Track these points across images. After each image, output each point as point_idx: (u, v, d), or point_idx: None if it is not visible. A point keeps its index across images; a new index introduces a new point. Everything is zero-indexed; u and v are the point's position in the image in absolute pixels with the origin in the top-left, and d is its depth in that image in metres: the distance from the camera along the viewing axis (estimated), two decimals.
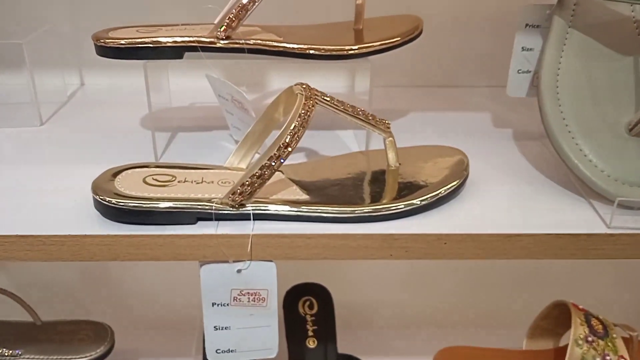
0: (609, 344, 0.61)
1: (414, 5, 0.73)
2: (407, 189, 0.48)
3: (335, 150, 0.56)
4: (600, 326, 0.65)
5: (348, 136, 0.61)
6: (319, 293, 0.76)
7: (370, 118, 0.49)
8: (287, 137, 0.43)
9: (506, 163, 0.56)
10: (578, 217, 0.47)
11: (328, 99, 0.47)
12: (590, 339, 0.61)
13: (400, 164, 0.51)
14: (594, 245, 0.45)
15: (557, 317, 0.70)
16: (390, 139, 0.50)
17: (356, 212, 0.45)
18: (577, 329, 0.63)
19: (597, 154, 0.48)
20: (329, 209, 0.45)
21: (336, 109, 0.47)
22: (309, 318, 0.68)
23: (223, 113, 0.56)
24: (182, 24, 0.56)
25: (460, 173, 0.49)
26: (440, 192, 0.47)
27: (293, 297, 0.76)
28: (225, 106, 0.55)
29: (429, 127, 0.64)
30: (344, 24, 0.59)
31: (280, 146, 0.43)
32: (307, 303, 0.74)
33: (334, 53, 0.54)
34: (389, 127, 0.50)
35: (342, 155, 0.54)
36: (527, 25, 0.56)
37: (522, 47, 0.57)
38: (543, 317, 0.72)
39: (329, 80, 0.73)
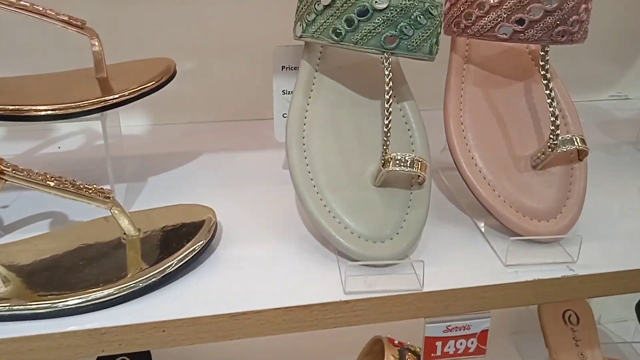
0: None
1: (223, 36, 0.69)
2: (138, 264, 0.43)
3: (88, 215, 0.50)
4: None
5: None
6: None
7: (83, 190, 0.43)
8: None
9: (276, 217, 0.51)
10: (323, 282, 0.43)
11: (22, 174, 0.41)
12: None
13: (140, 230, 0.46)
14: (329, 314, 0.41)
15: (379, 352, 0.67)
16: (116, 208, 0.44)
17: (58, 304, 0.39)
18: None
19: (343, 209, 0.44)
20: (24, 305, 0.39)
21: (32, 182, 0.41)
22: None
23: None
24: None
25: (202, 236, 0.45)
26: (166, 269, 0.42)
27: None
28: None
29: (212, 172, 0.60)
30: (83, 72, 0.53)
31: None
32: None
33: (65, 112, 0.48)
34: (108, 197, 0.44)
35: (79, 223, 0.48)
36: (283, 67, 0.53)
37: (283, 91, 0.53)
38: (365, 353, 0.70)
39: None
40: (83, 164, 0.64)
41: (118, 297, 0.40)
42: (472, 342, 0.46)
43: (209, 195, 0.54)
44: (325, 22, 0.43)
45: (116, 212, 0.45)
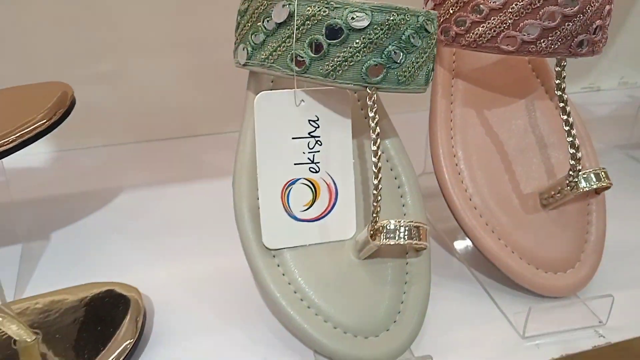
0: None
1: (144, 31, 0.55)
2: None
3: None
4: None
5: None
6: None
7: None
8: None
9: (230, 297, 0.39)
10: None
11: None
12: None
13: (37, 332, 0.33)
14: None
15: None
16: None
17: None
18: None
19: (319, 294, 0.32)
20: None
21: None
22: None
23: None
24: None
25: (128, 334, 0.33)
26: None
27: None
28: None
29: (137, 222, 0.47)
30: None
31: None
32: None
33: None
34: None
35: None
36: None
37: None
38: None
39: None
40: None
41: None
42: None
43: (133, 264, 0.42)
44: (280, 46, 0.31)
45: None
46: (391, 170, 0.37)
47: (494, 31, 0.36)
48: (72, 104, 0.40)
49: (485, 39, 0.36)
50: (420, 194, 0.37)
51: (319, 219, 0.35)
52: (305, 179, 0.35)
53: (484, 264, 0.40)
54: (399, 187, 0.36)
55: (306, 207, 0.35)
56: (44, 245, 0.45)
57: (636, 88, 0.79)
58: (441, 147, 0.40)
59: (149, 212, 0.49)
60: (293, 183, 0.35)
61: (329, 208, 0.36)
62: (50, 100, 0.39)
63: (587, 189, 0.37)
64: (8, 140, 0.36)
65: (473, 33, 0.36)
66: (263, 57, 0.32)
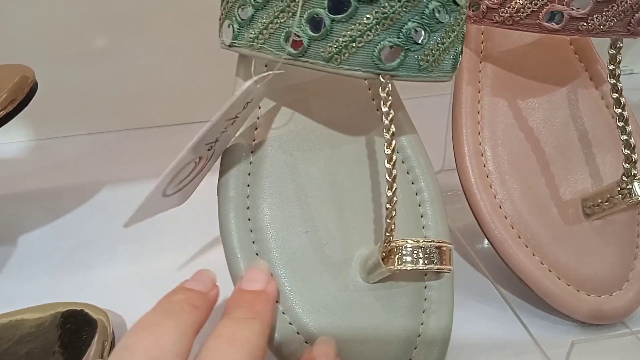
0: None
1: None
2: None
3: None
4: None
5: None
6: None
7: None
8: None
9: None
10: None
11: None
12: None
13: None
14: None
15: None
16: None
17: None
18: None
19: (316, 320, 0.27)
20: None
21: None
22: None
23: None
24: None
25: None
26: None
27: None
28: None
29: (119, 230, 0.41)
30: None
31: None
32: None
33: None
34: None
35: None
36: None
37: None
38: None
39: None
40: None
41: None
42: None
43: (116, 280, 0.37)
44: (272, 22, 0.25)
45: None
46: (407, 173, 0.31)
47: (535, 4, 0.29)
48: (33, 90, 0.34)
49: (524, 14, 0.30)
50: (442, 201, 0.31)
51: None
52: None
53: (512, 278, 0.34)
54: (416, 194, 0.30)
55: None
56: (11, 249, 0.39)
57: None
58: (466, 144, 0.34)
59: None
60: None
61: None
62: (6, 87, 0.33)
63: None
64: None
65: (509, 7, 0.30)
66: (252, 36, 0.25)
